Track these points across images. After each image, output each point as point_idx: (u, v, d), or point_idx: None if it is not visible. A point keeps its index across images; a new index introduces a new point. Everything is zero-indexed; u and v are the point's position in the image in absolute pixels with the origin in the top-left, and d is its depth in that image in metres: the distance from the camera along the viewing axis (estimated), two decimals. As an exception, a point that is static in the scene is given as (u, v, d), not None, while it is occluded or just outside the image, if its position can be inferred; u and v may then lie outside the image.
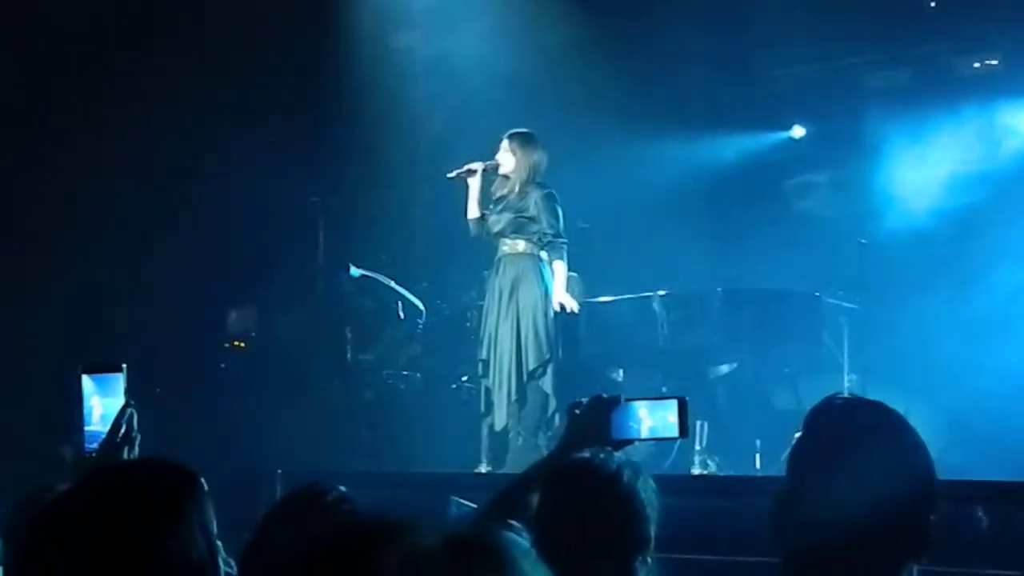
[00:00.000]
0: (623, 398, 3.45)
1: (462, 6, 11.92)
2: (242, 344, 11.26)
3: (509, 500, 3.45)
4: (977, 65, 11.35)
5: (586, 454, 3.22)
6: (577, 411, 3.53)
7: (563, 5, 11.50)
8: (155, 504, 2.24)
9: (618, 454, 3.25)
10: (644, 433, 3.42)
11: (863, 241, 9.54)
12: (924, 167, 10.96)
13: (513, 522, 3.29)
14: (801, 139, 11.95)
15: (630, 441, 3.38)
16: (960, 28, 11.09)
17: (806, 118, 11.94)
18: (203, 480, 2.32)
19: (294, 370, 10.86)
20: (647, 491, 3.16)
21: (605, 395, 3.47)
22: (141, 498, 2.24)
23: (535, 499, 3.27)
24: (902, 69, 11.69)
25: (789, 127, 11.94)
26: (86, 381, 3.38)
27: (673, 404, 3.38)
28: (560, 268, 8.84)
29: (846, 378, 9.05)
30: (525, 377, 8.68)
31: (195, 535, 2.24)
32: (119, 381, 3.36)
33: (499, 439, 8.82)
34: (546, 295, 8.78)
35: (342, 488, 3.52)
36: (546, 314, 8.75)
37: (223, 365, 11.10)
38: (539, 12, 11.42)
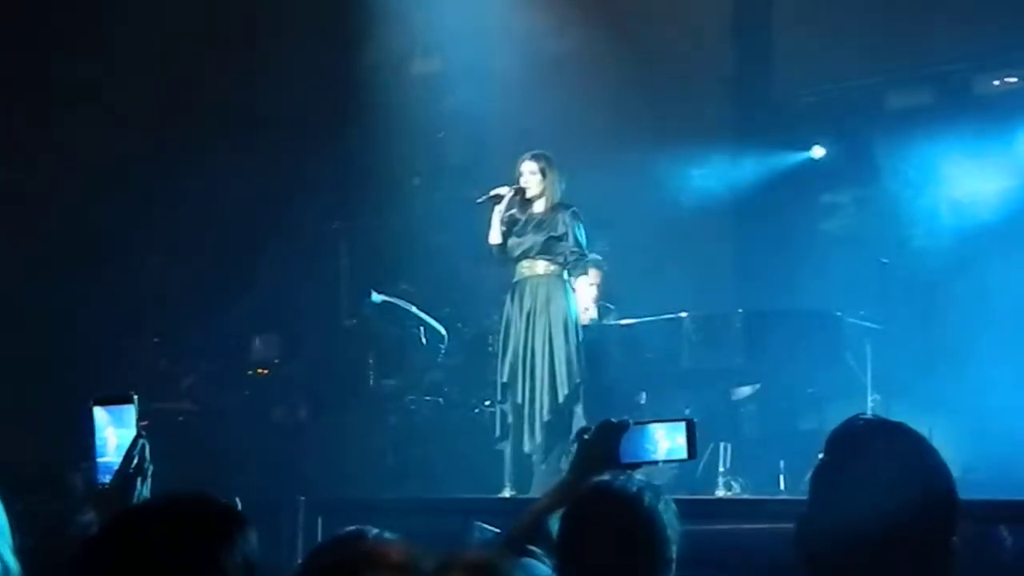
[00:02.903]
0: (632, 422, 3.46)
1: (482, 33, 11.95)
2: (265, 371, 11.28)
3: (527, 527, 3.45)
4: (997, 83, 11.34)
5: (606, 477, 3.21)
6: (586, 436, 3.54)
7: (584, 30, 11.52)
8: (200, 540, 2.21)
9: (638, 476, 3.24)
10: (655, 456, 3.42)
11: (884, 260, 9.52)
12: (945, 186, 10.95)
13: (533, 548, 3.29)
14: (822, 159, 11.93)
15: (639, 464, 3.38)
16: (980, 46, 11.08)
17: (827, 138, 11.92)
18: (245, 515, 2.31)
19: (317, 397, 10.87)
20: (668, 512, 3.16)
21: (614, 419, 3.47)
22: (186, 535, 2.22)
23: (554, 524, 3.27)
24: (922, 88, 11.67)
25: (810, 147, 11.93)
26: (99, 412, 3.37)
27: (681, 426, 3.38)
28: (581, 284, 8.88)
29: (869, 398, 9.02)
30: (560, 400, 8.67)
31: (240, 573, 2.22)
32: (131, 412, 3.36)
33: (523, 463, 8.80)
34: (575, 317, 8.79)
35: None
36: (577, 336, 8.75)
37: (247, 392, 11.11)
38: (559, 37, 11.44)
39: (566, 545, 3.15)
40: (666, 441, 3.40)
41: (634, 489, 3.13)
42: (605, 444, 3.44)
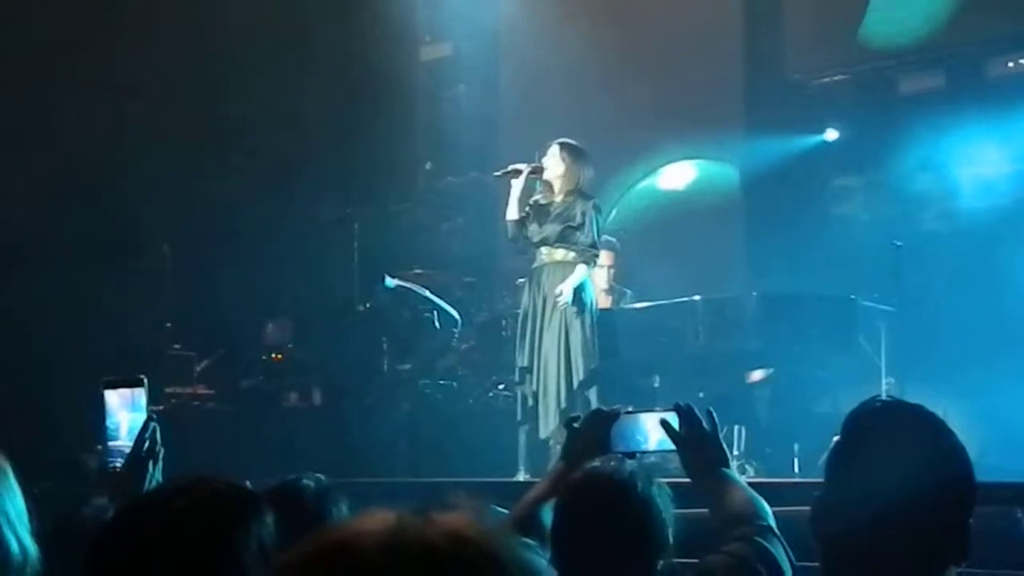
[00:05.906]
0: (623, 411, 3.46)
1: (492, 17, 11.93)
2: (279, 356, 11.29)
3: (519, 519, 3.43)
4: (1011, 65, 11.29)
5: (596, 463, 3.20)
6: (576, 425, 3.54)
7: (593, 13, 11.50)
8: (215, 525, 2.19)
9: (630, 461, 3.23)
10: (648, 445, 3.42)
11: (898, 243, 9.49)
12: (958, 168, 10.92)
13: (527, 540, 3.28)
14: (835, 142, 11.90)
15: (631, 454, 3.37)
16: (992, 29, 11.04)
17: (840, 121, 11.89)
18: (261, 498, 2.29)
19: (331, 381, 10.89)
20: (662, 497, 3.14)
21: (605, 408, 3.48)
22: (200, 519, 2.18)
23: (547, 515, 3.25)
24: (935, 71, 11.63)
25: (822, 130, 11.89)
26: (111, 396, 3.38)
27: (672, 416, 3.39)
28: (581, 271, 8.77)
29: (883, 381, 9.01)
30: (575, 386, 8.66)
31: (255, 557, 2.21)
32: (141, 395, 3.37)
33: (539, 447, 8.80)
34: (591, 303, 8.78)
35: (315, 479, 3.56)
36: (592, 323, 8.74)
37: (260, 377, 11.13)
38: (568, 21, 11.42)
39: (560, 534, 3.12)
40: (657, 431, 3.40)
41: (626, 474, 3.12)
42: (595, 433, 3.44)
